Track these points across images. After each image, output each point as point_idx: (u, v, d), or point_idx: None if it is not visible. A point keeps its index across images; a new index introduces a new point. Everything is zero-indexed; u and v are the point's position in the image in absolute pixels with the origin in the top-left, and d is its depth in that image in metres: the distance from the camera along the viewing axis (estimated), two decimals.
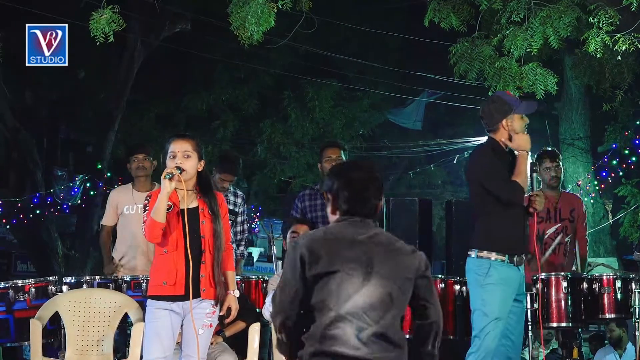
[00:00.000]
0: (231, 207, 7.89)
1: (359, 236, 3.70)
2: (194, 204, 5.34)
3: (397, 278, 3.65)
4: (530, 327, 6.70)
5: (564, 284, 6.86)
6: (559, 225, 7.53)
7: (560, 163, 7.68)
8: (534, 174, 5.81)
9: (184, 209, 5.29)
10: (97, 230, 14.26)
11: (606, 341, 10.51)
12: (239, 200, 8.07)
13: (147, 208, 5.29)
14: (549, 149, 8.15)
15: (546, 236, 7.52)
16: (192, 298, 5.20)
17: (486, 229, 5.88)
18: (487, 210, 5.84)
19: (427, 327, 3.74)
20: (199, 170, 5.38)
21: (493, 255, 5.79)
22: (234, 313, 5.41)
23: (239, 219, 8.05)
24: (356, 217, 3.75)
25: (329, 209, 3.85)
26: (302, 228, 6.59)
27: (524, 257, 5.91)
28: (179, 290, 5.21)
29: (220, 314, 5.39)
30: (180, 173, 5.23)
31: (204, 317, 5.27)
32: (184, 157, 5.30)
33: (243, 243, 8.08)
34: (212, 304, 5.29)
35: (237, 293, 5.46)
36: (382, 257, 3.67)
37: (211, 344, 6.40)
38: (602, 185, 14.89)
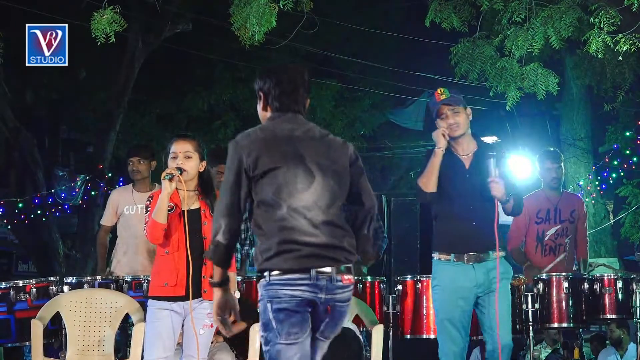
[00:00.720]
0: None
1: (296, 132, 3.92)
2: (195, 205, 5.34)
3: (336, 168, 3.92)
4: (531, 327, 6.72)
5: (565, 284, 6.86)
6: (558, 227, 7.52)
7: (562, 164, 7.66)
8: (491, 160, 5.53)
9: (189, 211, 5.29)
10: (97, 231, 14.26)
11: (607, 342, 10.50)
12: None
13: (148, 209, 5.30)
14: (551, 149, 8.15)
15: (546, 237, 7.52)
16: (193, 298, 5.21)
17: (434, 229, 5.78)
18: (433, 210, 5.72)
19: (364, 212, 3.98)
20: (201, 170, 5.38)
21: (437, 255, 5.64)
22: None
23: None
24: (289, 113, 3.97)
25: (259, 107, 4.08)
26: None
27: (489, 254, 5.54)
28: (179, 291, 5.22)
29: None
30: (181, 174, 5.23)
31: (205, 318, 5.28)
32: (185, 157, 5.30)
33: (247, 242, 8.07)
34: (212, 304, 5.28)
35: (237, 294, 5.46)
36: (320, 150, 3.92)
37: (212, 343, 6.41)
38: (603, 186, 14.88)
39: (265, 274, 3.82)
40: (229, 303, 3.94)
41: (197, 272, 5.23)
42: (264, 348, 3.94)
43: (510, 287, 5.71)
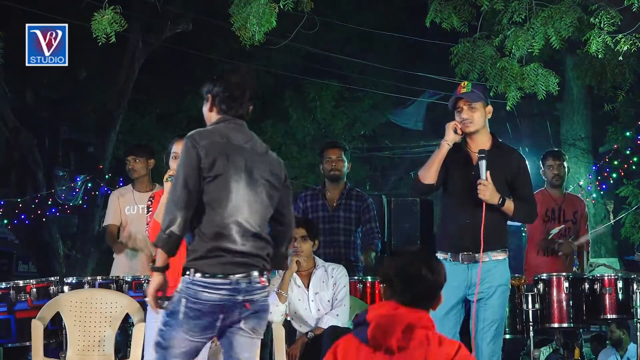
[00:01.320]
0: None
1: (246, 144, 4.23)
2: None
3: (271, 185, 4.22)
4: (531, 327, 6.71)
5: (566, 284, 6.86)
6: (562, 226, 7.53)
7: (564, 163, 7.67)
8: (482, 162, 5.38)
9: None
10: (98, 231, 14.27)
11: (607, 342, 10.50)
12: None
13: (150, 209, 5.30)
14: (556, 149, 8.16)
15: (550, 236, 7.52)
16: None
17: (441, 225, 5.75)
18: (440, 205, 5.69)
19: (284, 232, 4.33)
20: None
21: (438, 253, 5.55)
22: None
23: None
24: (238, 120, 4.26)
25: (206, 108, 4.34)
26: (299, 232, 6.58)
27: (487, 255, 5.39)
28: None
29: None
30: None
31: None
32: None
33: None
34: None
35: None
36: (263, 165, 4.23)
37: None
38: (604, 186, 14.88)
39: (189, 271, 4.07)
40: (164, 286, 4.16)
41: None
42: (160, 326, 4.19)
43: (510, 288, 5.66)
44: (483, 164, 5.37)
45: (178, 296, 4.12)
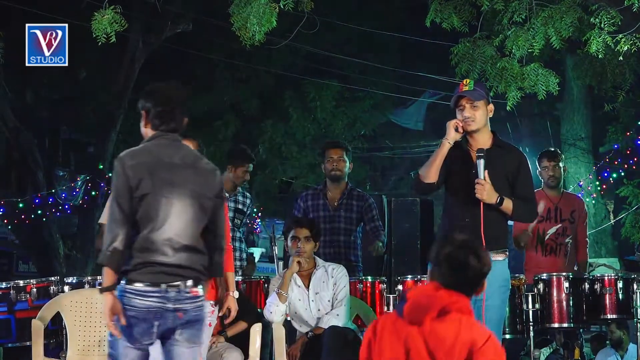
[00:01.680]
0: (240, 206, 7.91)
1: (174, 158, 4.38)
2: None
3: (203, 197, 4.38)
4: (531, 327, 6.71)
5: (566, 284, 6.86)
6: (559, 226, 7.53)
7: (560, 163, 7.65)
8: (480, 161, 5.33)
9: None
10: (98, 230, 14.26)
11: (607, 342, 10.49)
12: (247, 201, 8.07)
13: None
14: (552, 149, 8.14)
15: (547, 237, 7.52)
16: None
17: (441, 223, 5.69)
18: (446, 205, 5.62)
19: (216, 242, 4.47)
20: None
21: None
22: (233, 314, 5.40)
23: (245, 220, 8.05)
24: (169, 134, 4.44)
25: (142, 124, 4.57)
26: (302, 232, 6.58)
27: None
28: None
29: (220, 314, 5.39)
30: None
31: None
32: None
33: (247, 236, 8.09)
34: (211, 303, 5.29)
35: (236, 294, 5.45)
36: (193, 178, 4.38)
37: (212, 344, 6.40)
38: (604, 186, 14.88)
39: (123, 281, 4.27)
40: (118, 306, 4.26)
41: None
42: (108, 337, 4.45)
43: (509, 288, 5.61)
44: (481, 163, 5.34)
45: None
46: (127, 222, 4.25)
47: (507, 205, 5.36)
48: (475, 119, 5.40)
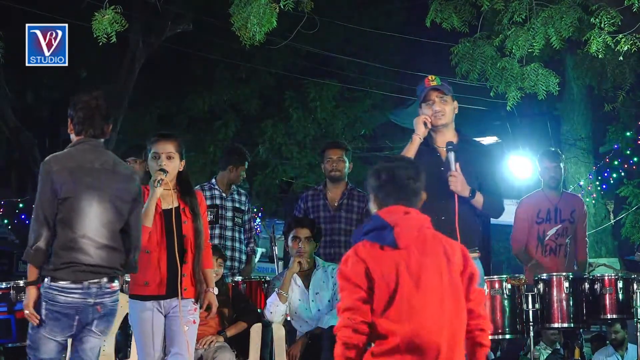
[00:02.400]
0: (237, 205, 7.92)
1: (95, 163, 4.77)
2: (174, 204, 5.35)
3: (121, 200, 4.79)
4: (531, 327, 6.71)
5: (566, 284, 6.86)
6: (559, 226, 7.53)
7: (561, 164, 7.65)
8: (451, 154, 5.32)
9: (169, 210, 5.31)
10: None
11: (608, 342, 10.49)
12: (243, 199, 8.07)
13: None
14: (552, 149, 8.14)
15: (547, 238, 7.52)
16: (172, 297, 5.27)
17: None
18: None
19: (131, 241, 4.84)
20: (180, 170, 5.41)
21: None
22: (214, 310, 5.48)
23: (246, 217, 8.05)
24: (92, 140, 4.83)
25: (69, 130, 4.90)
26: (303, 232, 6.58)
27: None
28: (161, 290, 5.26)
29: (201, 310, 5.43)
30: (165, 175, 5.27)
31: (187, 314, 5.31)
32: (167, 158, 5.33)
33: (252, 240, 8.08)
34: (192, 301, 5.35)
35: (216, 290, 5.51)
36: (113, 182, 4.79)
37: (211, 342, 6.42)
38: (604, 186, 14.87)
39: (47, 279, 4.68)
40: (36, 300, 4.71)
41: (179, 271, 5.26)
42: (29, 330, 4.79)
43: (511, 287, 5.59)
44: (452, 155, 5.33)
45: (39, 302, 4.72)
46: (50, 223, 4.64)
47: (479, 198, 5.35)
48: (445, 113, 5.41)
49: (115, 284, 4.83)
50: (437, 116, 5.41)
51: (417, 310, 3.63)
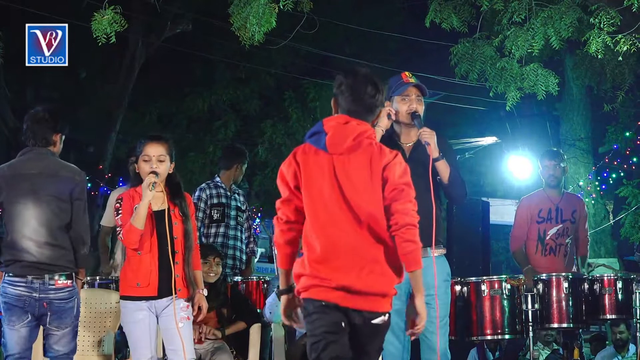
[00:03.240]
0: (239, 204, 7.92)
1: (33, 170, 5.31)
2: (164, 206, 5.36)
3: (60, 200, 5.28)
4: (531, 327, 6.72)
5: (565, 284, 6.86)
6: (560, 226, 7.53)
7: (562, 164, 7.64)
8: (416, 120, 5.18)
9: (159, 211, 5.32)
10: (97, 231, 14.25)
11: (607, 342, 10.49)
12: (242, 198, 8.08)
13: (119, 211, 5.34)
14: (554, 149, 8.14)
15: (548, 237, 7.52)
16: (165, 296, 5.30)
17: None
18: None
19: (75, 237, 5.32)
20: (170, 172, 5.42)
21: None
22: (204, 312, 5.50)
23: (244, 216, 8.04)
24: (35, 149, 5.39)
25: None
26: None
27: (427, 251, 4.94)
28: (152, 292, 5.28)
29: (194, 313, 5.43)
30: (157, 178, 5.28)
31: (181, 312, 5.32)
32: (158, 161, 5.34)
33: (252, 240, 8.07)
34: (184, 300, 5.39)
35: (205, 292, 5.51)
36: (50, 186, 5.28)
37: (210, 332, 6.43)
38: (603, 186, 14.88)
39: (4, 274, 5.24)
40: None
41: (170, 271, 5.28)
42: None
43: (510, 287, 5.59)
44: (417, 121, 5.22)
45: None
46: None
47: (446, 166, 5.24)
48: (420, 113, 5.30)
49: (63, 281, 5.27)
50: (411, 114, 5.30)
51: (336, 219, 3.86)
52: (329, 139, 3.91)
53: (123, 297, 5.37)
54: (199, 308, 5.44)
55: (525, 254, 7.55)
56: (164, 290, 5.30)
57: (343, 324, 3.82)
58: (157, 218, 5.33)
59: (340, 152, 3.91)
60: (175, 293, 5.29)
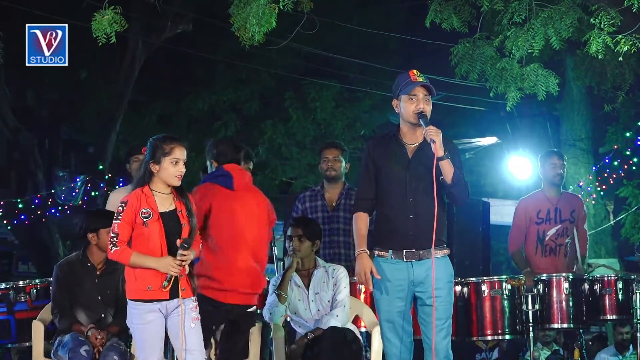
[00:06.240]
0: None
1: None
2: (172, 207, 5.34)
3: None
4: (531, 328, 6.72)
5: (565, 284, 6.87)
6: (559, 226, 7.53)
7: (565, 164, 7.68)
8: (422, 119, 5.14)
9: (166, 212, 5.30)
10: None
11: (608, 342, 10.49)
12: None
13: (120, 215, 5.25)
14: (555, 150, 8.16)
15: (547, 238, 7.52)
16: (174, 298, 5.29)
17: (375, 222, 5.42)
18: (377, 201, 5.37)
19: None
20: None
21: (377, 252, 5.31)
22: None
23: None
24: None
25: None
26: (295, 231, 6.60)
27: (430, 252, 5.17)
28: (164, 295, 5.25)
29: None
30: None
31: (191, 312, 5.31)
32: (184, 164, 5.33)
33: None
34: (192, 299, 5.36)
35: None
36: None
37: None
38: (604, 186, 14.86)
39: None
40: None
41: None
42: None
43: (511, 288, 5.61)
44: (423, 121, 5.18)
45: None
46: None
47: (450, 166, 5.18)
48: (427, 113, 5.25)
49: None
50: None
51: (235, 245, 5.75)
52: (236, 180, 5.86)
53: (133, 300, 5.30)
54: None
55: (523, 256, 7.55)
56: (173, 291, 5.27)
57: None
58: (166, 219, 5.29)
59: (240, 189, 5.76)
60: (181, 294, 5.27)
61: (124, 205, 5.27)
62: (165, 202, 5.32)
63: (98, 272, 6.51)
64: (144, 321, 5.26)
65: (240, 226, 5.94)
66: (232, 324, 6.05)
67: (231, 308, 5.97)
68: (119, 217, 5.24)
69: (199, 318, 5.39)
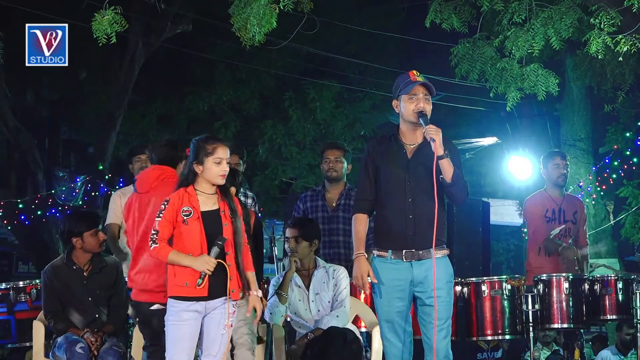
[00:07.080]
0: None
1: None
2: (215, 207, 5.31)
3: None
4: (531, 328, 6.72)
5: (566, 285, 6.86)
6: (563, 226, 7.54)
7: (568, 164, 7.69)
8: (421, 119, 5.14)
9: (208, 212, 5.26)
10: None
11: (608, 342, 10.49)
12: (249, 201, 8.02)
13: (161, 214, 5.23)
14: (555, 150, 8.16)
15: (551, 237, 7.52)
16: (216, 297, 5.22)
17: (375, 223, 5.45)
18: (377, 201, 5.38)
19: None
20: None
21: (376, 252, 5.33)
22: (259, 313, 5.36)
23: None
24: None
25: None
26: (291, 232, 6.60)
27: (430, 252, 5.18)
28: (202, 292, 5.18)
29: (248, 314, 5.39)
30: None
31: (228, 318, 5.25)
32: (227, 164, 5.31)
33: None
34: (233, 304, 5.29)
35: (260, 293, 5.42)
36: None
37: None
38: (604, 187, 14.86)
39: None
40: None
41: (223, 273, 5.21)
42: None
43: (511, 288, 5.61)
44: (423, 120, 5.17)
45: None
46: None
47: (450, 165, 5.16)
48: (427, 113, 5.24)
49: None
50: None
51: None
52: (138, 184, 5.81)
53: (172, 297, 5.23)
54: (254, 310, 5.33)
55: (550, 240, 7.46)
56: (215, 291, 5.20)
57: None
58: (207, 218, 5.25)
59: (146, 191, 5.68)
60: (229, 295, 5.22)
61: (166, 203, 5.26)
62: (208, 202, 5.28)
63: (85, 274, 6.50)
64: (179, 319, 5.19)
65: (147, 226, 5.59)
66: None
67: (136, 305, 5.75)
68: (160, 215, 5.23)
69: (232, 326, 5.33)
